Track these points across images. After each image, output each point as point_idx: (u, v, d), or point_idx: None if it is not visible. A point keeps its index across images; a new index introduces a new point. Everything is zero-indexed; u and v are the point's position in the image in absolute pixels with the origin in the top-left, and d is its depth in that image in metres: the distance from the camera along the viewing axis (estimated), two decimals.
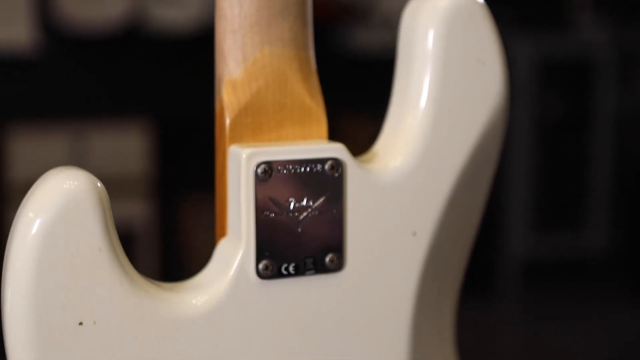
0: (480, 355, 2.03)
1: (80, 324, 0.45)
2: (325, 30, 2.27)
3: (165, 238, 2.29)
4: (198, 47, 1.96)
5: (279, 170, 0.47)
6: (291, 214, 0.48)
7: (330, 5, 2.28)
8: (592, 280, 2.50)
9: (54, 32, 2.12)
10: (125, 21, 2.14)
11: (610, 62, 2.45)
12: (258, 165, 0.47)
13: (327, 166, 0.48)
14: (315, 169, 0.48)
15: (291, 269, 0.48)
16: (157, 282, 0.48)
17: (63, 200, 0.44)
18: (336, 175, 0.48)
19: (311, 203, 0.48)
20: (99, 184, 0.45)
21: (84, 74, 2.20)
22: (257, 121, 0.49)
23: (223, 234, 0.50)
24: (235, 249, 0.48)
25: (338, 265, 0.49)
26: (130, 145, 2.22)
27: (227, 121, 0.48)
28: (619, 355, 2.06)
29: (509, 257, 2.43)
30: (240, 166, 0.47)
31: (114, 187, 2.17)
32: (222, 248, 0.49)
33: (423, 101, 0.50)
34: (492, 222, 2.42)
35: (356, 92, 2.26)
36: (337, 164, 0.48)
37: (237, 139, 0.49)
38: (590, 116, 2.46)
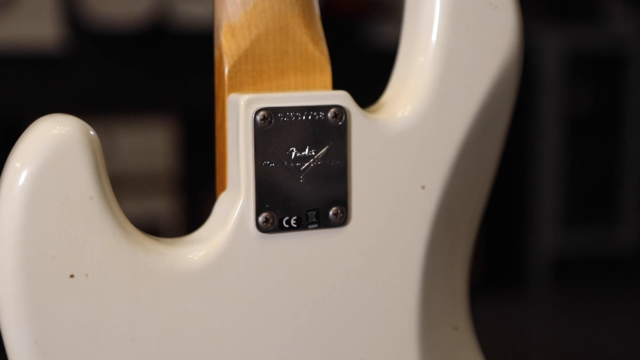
0: (509, 352, 2.00)
1: (72, 276, 0.43)
2: (350, 27, 2.25)
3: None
4: None
5: (279, 118, 0.45)
6: (292, 164, 0.45)
7: (355, 1, 2.26)
8: (624, 277, 2.45)
9: (79, 29, 2.12)
10: (151, 17, 2.13)
11: None
12: (257, 112, 0.45)
13: (330, 114, 0.46)
14: (317, 117, 0.46)
15: (293, 222, 0.46)
16: (154, 237, 0.46)
17: (51, 147, 0.42)
18: (340, 123, 0.46)
19: (313, 153, 0.46)
20: (91, 132, 0.43)
21: (109, 70, 2.20)
22: (258, 69, 0.47)
23: (223, 189, 0.48)
24: (234, 201, 0.46)
25: (342, 219, 0.47)
26: (155, 141, 2.21)
27: (226, 68, 0.46)
28: None
29: (538, 253, 2.39)
30: (238, 113, 0.45)
31: (140, 183, 2.16)
32: (222, 202, 0.47)
33: (432, 44, 0.47)
34: (521, 218, 2.38)
35: (382, 88, 2.24)
36: (341, 112, 0.46)
37: (237, 87, 0.47)
38: (621, 109, 2.42)
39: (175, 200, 2.22)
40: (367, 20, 2.27)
